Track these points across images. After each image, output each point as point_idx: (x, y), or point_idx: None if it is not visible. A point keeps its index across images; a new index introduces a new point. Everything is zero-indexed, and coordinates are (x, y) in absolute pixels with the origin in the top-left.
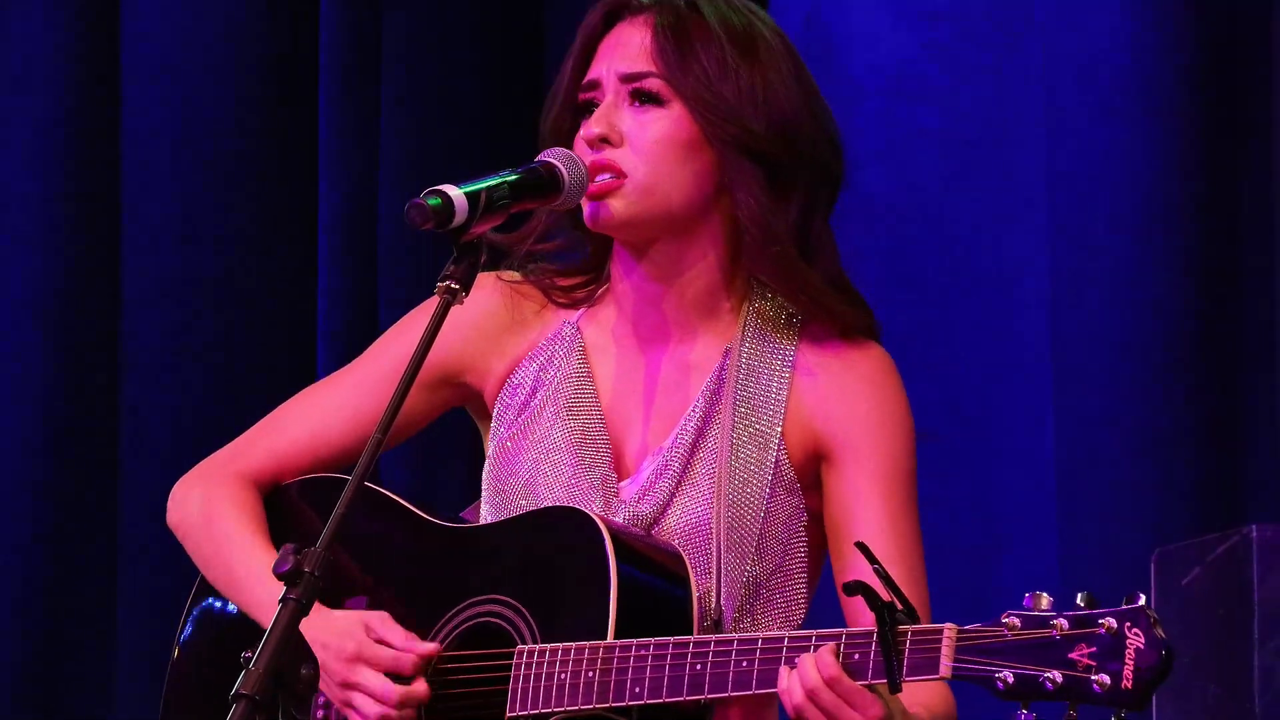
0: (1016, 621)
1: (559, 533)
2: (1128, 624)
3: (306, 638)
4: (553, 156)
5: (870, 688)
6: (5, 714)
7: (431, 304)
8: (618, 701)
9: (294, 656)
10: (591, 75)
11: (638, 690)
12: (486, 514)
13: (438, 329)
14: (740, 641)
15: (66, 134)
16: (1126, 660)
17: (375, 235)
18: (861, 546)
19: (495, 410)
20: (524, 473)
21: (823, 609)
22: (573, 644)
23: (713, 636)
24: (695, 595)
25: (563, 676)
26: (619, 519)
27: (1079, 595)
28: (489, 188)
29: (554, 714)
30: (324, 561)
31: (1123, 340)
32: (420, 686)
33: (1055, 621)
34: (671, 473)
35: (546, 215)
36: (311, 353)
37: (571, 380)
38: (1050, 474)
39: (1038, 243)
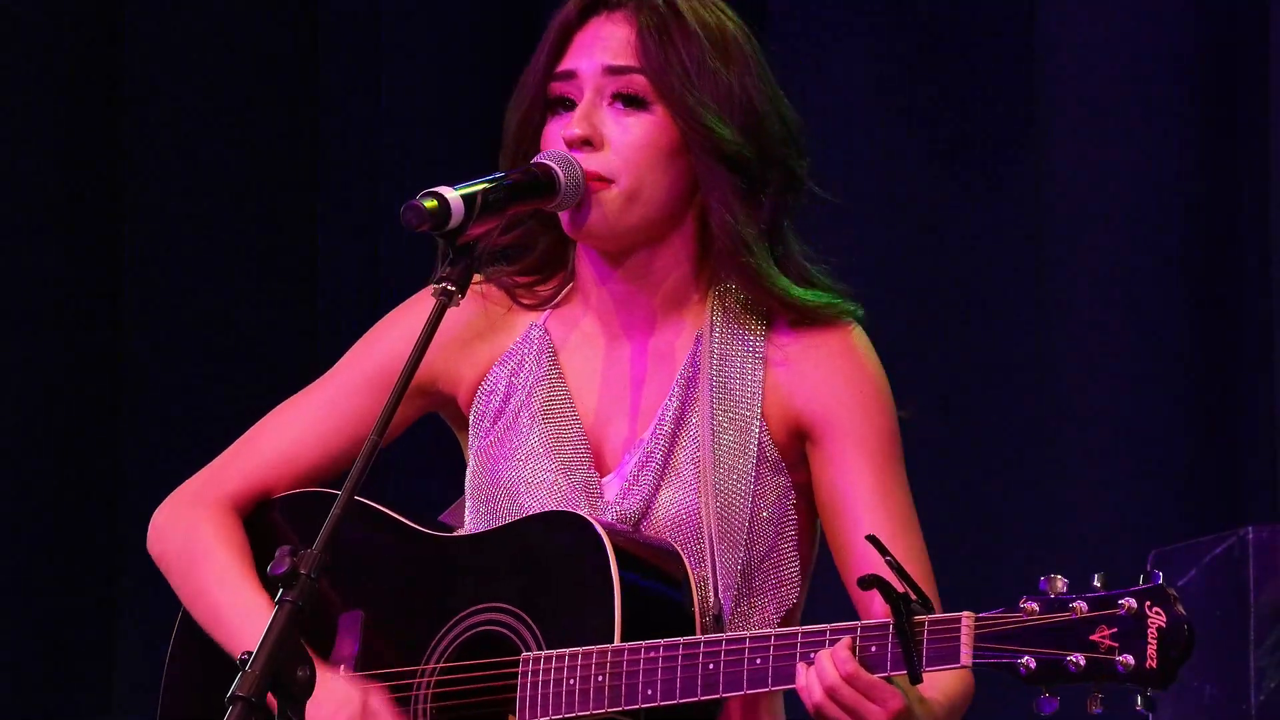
0: (1035, 606)
1: (556, 538)
2: (1148, 603)
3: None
4: (549, 158)
5: (889, 679)
6: (5, 714)
7: (397, 315)
8: (630, 705)
9: (291, 658)
10: (568, 66)
11: (649, 692)
12: (472, 521)
13: (434, 331)
14: (753, 639)
15: (67, 133)
16: (1150, 639)
17: (375, 235)
18: (873, 539)
19: (471, 417)
20: (506, 480)
21: (830, 595)
22: (580, 649)
23: (724, 635)
24: (695, 592)
25: (571, 682)
26: (607, 518)
27: (1095, 576)
28: (485, 189)
29: None
30: (320, 563)
31: (1120, 340)
32: None
33: (1074, 604)
34: (654, 465)
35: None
36: (311, 351)
37: (544, 384)
38: (1048, 474)
39: (1033, 243)
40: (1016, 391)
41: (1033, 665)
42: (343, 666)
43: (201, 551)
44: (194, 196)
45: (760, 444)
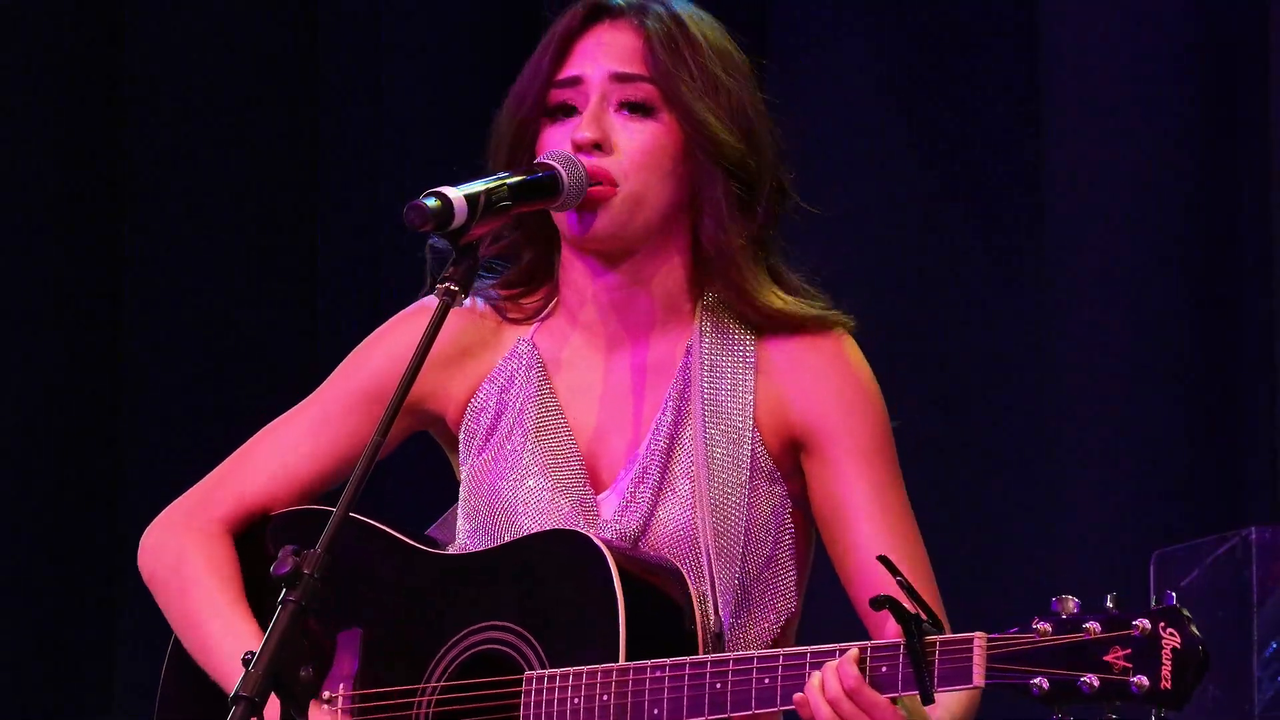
0: (1047, 626)
1: (557, 556)
2: (1162, 624)
3: None
4: (552, 159)
5: (896, 700)
6: (5, 714)
7: (385, 332)
8: None
9: (293, 658)
10: (573, 72)
11: (656, 712)
12: (467, 540)
13: (435, 333)
14: (760, 658)
15: (67, 133)
16: (1164, 660)
17: (375, 235)
18: (884, 560)
19: (461, 436)
20: (503, 500)
21: (827, 603)
22: (584, 668)
23: (731, 654)
24: (697, 609)
25: (576, 701)
26: (606, 536)
27: (1108, 597)
28: (488, 189)
29: None
30: (323, 563)
31: (1121, 340)
32: None
33: (1087, 625)
34: (651, 480)
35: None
36: (311, 352)
37: (535, 401)
38: (1049, 475)
39: (1034, 243)
40: (1017, 392)
41: (1046, 686)
42: (342, 685)
43: (191, 577)
44: (194, 196)
45: (754, 454)
